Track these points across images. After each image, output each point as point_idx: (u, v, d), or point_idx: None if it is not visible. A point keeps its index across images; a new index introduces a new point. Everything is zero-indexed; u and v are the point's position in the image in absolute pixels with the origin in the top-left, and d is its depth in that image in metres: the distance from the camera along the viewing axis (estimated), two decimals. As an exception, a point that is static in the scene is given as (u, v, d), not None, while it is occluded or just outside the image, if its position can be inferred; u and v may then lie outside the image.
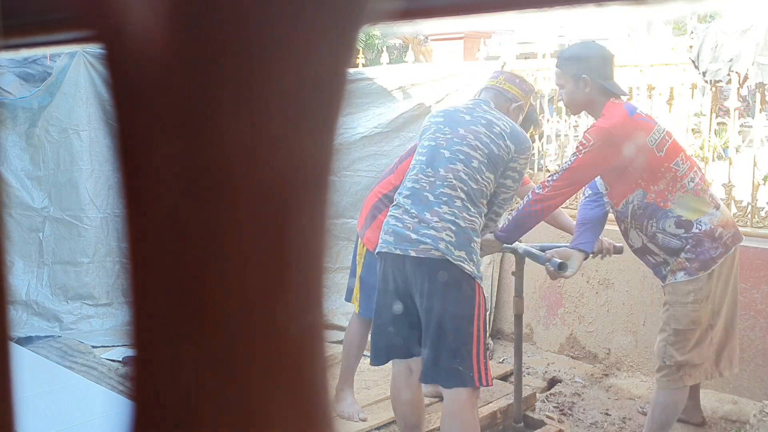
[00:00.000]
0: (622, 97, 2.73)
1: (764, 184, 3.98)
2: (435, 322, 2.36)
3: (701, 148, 4.07)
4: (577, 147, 2.69)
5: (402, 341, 2.49)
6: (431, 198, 2.41)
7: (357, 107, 4.49)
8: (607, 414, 3.38)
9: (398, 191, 2.55)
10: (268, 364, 0.21)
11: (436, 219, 2.37)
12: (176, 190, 0.20)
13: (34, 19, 0.38)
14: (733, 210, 3.61)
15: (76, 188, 4.55)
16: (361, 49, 6.16)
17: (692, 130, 3.99)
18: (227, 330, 0.21)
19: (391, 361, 2.56)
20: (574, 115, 2.92)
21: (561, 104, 4.08)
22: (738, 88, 3.72)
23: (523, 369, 3.80)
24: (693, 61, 3.76)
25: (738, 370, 2.83)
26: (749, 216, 3.56)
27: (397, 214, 2.46)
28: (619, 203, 2.73)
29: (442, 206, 2.40)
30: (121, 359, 3.89)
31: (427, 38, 9.34)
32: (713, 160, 3.84)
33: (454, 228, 2.37)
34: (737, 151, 3.90)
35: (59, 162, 4.56)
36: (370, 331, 2.64)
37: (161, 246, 0.20)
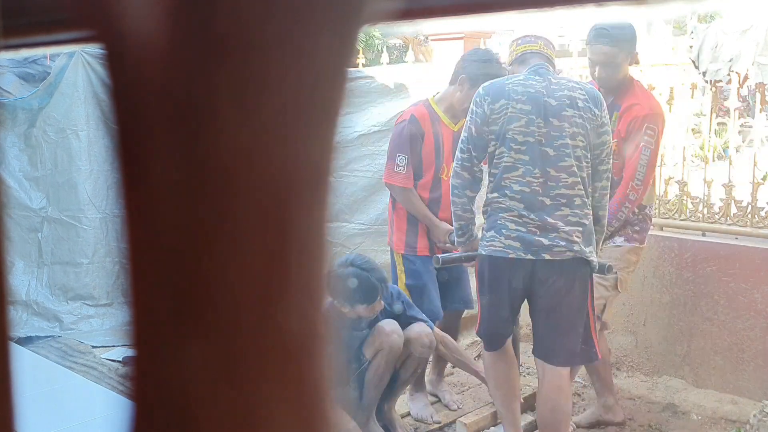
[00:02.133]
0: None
1: (764, 184, 3.98)
2: (561, 310, 2.49)
3: (701, 148, 4.07)
4: (645, 140, 2.82)
5: (512, 325, 2.69)
6: (548, 202, 2.41)
7: (356, 106, 4.46)
8: (607, 414, 3.37)
9: (496, 190, 2.48)
10: (268, 365, 0.21)
11: (561, 223, 2.39)
12: (176, 191, 0.20)
13: (34, 19, 0.38)
14: (733, 210, 3.61)
15: (75, 188, 4.53)
16: (361, 49, 6.16)
17: (692, 130, 4.00)
18: (227, 330, 0.21)
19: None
20: (600, 89, 2.97)
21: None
22: (738, 88, 3.73)
23: (523, 369, 3.80)
24: (693, 61, 3.77)
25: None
26: (749, 216, 3.56)
27: (513, 218, 2.43)
28: (617, 175, 2.89)
29: (562, 208, 2.41)
30: (121, 359, 3.89)
31: (427, 38, 9.33)
32: (713, 160, 3.84)
33: (581, 228, 2.42)
34: (737, 151, 3.90)
35: (57, 162, 4.54)
36: (483, 323, 2.66)
37: (161, 246, 0.20)
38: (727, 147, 4.00)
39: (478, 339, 3.13)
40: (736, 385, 3.41)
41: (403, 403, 3.18)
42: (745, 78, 3.72)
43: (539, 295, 2.51)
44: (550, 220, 2.39)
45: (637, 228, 2.94)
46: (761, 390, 3.31)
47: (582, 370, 3.47)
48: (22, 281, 4.41)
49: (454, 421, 3.09)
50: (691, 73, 3.86)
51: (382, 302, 2.76)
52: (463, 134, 2.58)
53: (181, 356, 0.20)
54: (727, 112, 4.03)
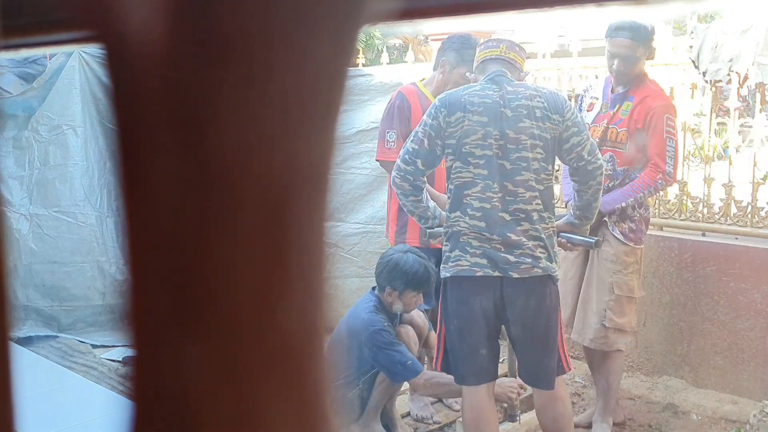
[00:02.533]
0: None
1: (764, 184, 3.98)
2: (538, 334, 2.42)
3: (701, 148, 4.07)
4: (667, 132, 2.89)
5: (491, 364, 2.50)
6: (507, 217, 2.35)
7: (354, 103, 4.42)
8: (607, 414, 3.37)
9: (457, 208, 2.41)
10: (268, 364, 0.21)
11: (523, 239, 2.34)
12: (175, 190, 0.20)
13: (34, 19, 0.38)
14: (733, 210, 3.61)
15: (71, 186, 4.51)
16: (361, 49, 6.16)
17: (692, 130, 3.99)
18: (227, 330, 0.21)
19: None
20: (617, 83, 2.99)
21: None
22: (738, 88, 3.73)
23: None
24: (693, 61, 3.77)
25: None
26: (749, 216, 3.56)
27: (476, 236, 2.37)
28: (622, 165, 2.96)
29: (522, 223, 2.35)
30: (121, 359, 3.89)
31: (427, 38, 9.33)
32: (713, 160, 3.84)
33: (542, 243, 2.37)
34: (737, 151, 3.90)
35: (48, 160, 4.50)
36: (446, 354, 2.51)
37: (160, 246, 0.20)
38: (727, 147, 4.00)
39: None
40: (736, 385, 3.41)
41: (403, 403, 3.18)
42: (745, 78, 3.72)
43: (512, 321, 2.43)
44: (512, 237, 2.34)
45: (633, 227, 2.95)
46: (761, 390, 3.31)
47: (585, 370, 3.47)
48: (20, 282, 4.41)
49: (454, 421, 3.09)
50: (691, 73, 3.86)
51: (421, 295, 2.79)
52: (410, 144, 2.46)
53: (181, 356, 0.20)
54: (727, 112, 4.03)
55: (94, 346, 4.16)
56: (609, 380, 3.03)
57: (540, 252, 2.36)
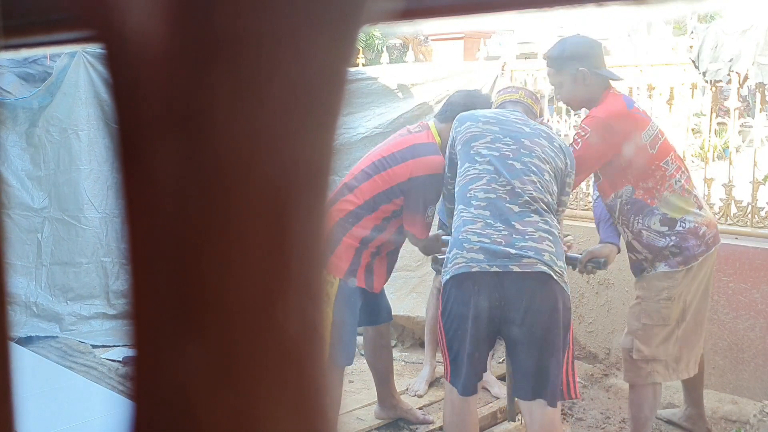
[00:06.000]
0: (614, 85, 2.78)
1: (764, 184, 3.98)
2: (539, 338, 2.23)
3: (701, 148, 4.07)
4: (574, 138, 2.71)
5: (484, 366, 2.43)
6: (516, 209, 2.25)
7: (358, 107, 4.44)
8: (607, 414, 3.38)
9: (461, 201, 2.33)
10: (268, 364, 0.21)
11: (531, 229, 2.21)
12: (176, 190, 0.20)
13: (34, 19, 0.38)
14: (733, 210, 3.61)
15: (76, 188, 4.54)
16: (361, 49, 6.16)
17: (692, 130, 4.00)
18: (227, 330, 0.21)
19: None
20: (576, 110, 2.95)
21: (561, 104, 4.08)
22: (738, 88, 3.72)
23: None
24: (693, 61, 3.76)
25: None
26: (749, 216, 3.56)
27: (477, 229, 2.24)
28: (608, 196, 2.76)
29: (532, 215, 2.24)
30: (121, 359, 3.89)
31: (427, 38, 9.34)
32: (713, 160, 3.84)
33: (551, 238, 2.24)
34: (737, 151, 3.90)
35: (59, 162, 4.55)
36: (451, 364, 2.34)
37: (161, 246, 0.20)
38: (727, 147, 4.00)
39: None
40: (736, 385, 3.41)
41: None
42: (745, 78, 3.71)
43: (512, 322, 2.25)
44: (518, 225, 2.21)
45: (675, 251, 2.66)
46: (761, 390, 3.31)
47: (585, 370, 3.47)
48: (21, 282, 4.41)
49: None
50: (691, 73, 3.85)
51: None
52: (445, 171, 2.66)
53: (181, 356, 0.20)
54: (727, 112, 4.03)
55: (94, 346, 4.16)
56: (636, 414, 2.75)
57: (547, 245, 2.22)
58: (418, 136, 2.83)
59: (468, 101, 2.81)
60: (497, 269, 2.20)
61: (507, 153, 2.33)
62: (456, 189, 2.41)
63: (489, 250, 2.21)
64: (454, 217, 2.38)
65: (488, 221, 2.24)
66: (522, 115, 2.51)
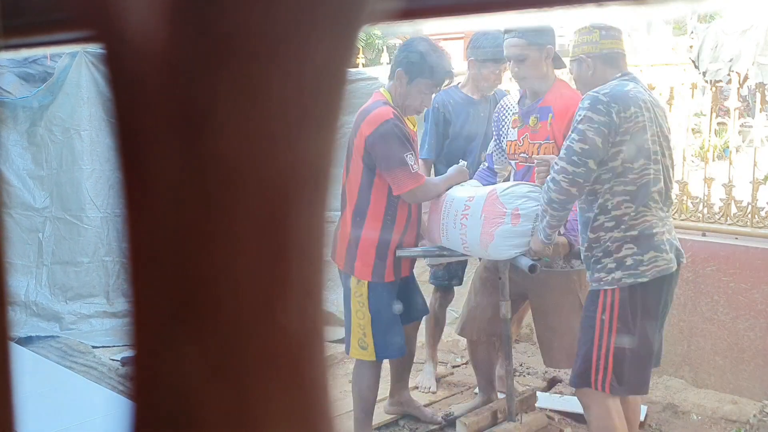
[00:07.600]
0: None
1: (764, 184, 3.98)
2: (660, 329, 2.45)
3: (701, 148, 4.07)
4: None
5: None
6: (666, 209, 2.41)
7: (358, 107, 4.43)
8: (607, 414, 3.37)
9: (643, 203, 2.30)
10: (267, 364, 0.21)
11: (673, 230, 2.43)
12: (176, 190, 0.20)
13: (34, 19, 0.38)
14: (733, 210, 3.61)
15: (78, 188, 4.55)
16: (361, 49, 6.16)
17: (692, 130, 3.99)
18: (227, 329, 0.21)
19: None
20: (523, 87, 2.78)
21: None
22: (738, 88, 3.73)
23: (523, 369, 3.80)
24: (693, 61, 3.77)
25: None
26: (749, 216, 3.56)
27: (666, 228, 2.36)
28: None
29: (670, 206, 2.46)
30: (121, 359, 3.89)
31: (427, 38, 9.31)
32: (713, 160, 3.84)
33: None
34: (737, 151, 3.90)
35: (62, 161, 4.56)
36: (613, 370, 2.33)
37: (161, 245, 0.20)
38: (727, 147, 4.00)
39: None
40: (736, 385, 3.41)
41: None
42: (745, 78, 3.72)
43: (665, 316, 2.48)
44: (670, 220, 2.44)
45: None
46: (761, 390, 3.31)
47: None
48: (21, 281, 4.42)
49: (454, 422, 3.09)
50: (691, 73, 3.86)
51: None
52: (577, 145, 2.22)
53: (181, 356, 0.20)
54: (727, 112, 4.03)
55: (94, 347, 4.16)
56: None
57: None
58: (364, 107, 2.86)
59: (420, 57, 2.71)
60: (675, 266, 2.34)
61: (658, 148, 2.31)
62: (630, 184, 2.28)
63: (677, 248, 2.36)
64: (631, 213, 2.29)
65: (663, 216, 2.36)
66: (639, 82, 2.40)
